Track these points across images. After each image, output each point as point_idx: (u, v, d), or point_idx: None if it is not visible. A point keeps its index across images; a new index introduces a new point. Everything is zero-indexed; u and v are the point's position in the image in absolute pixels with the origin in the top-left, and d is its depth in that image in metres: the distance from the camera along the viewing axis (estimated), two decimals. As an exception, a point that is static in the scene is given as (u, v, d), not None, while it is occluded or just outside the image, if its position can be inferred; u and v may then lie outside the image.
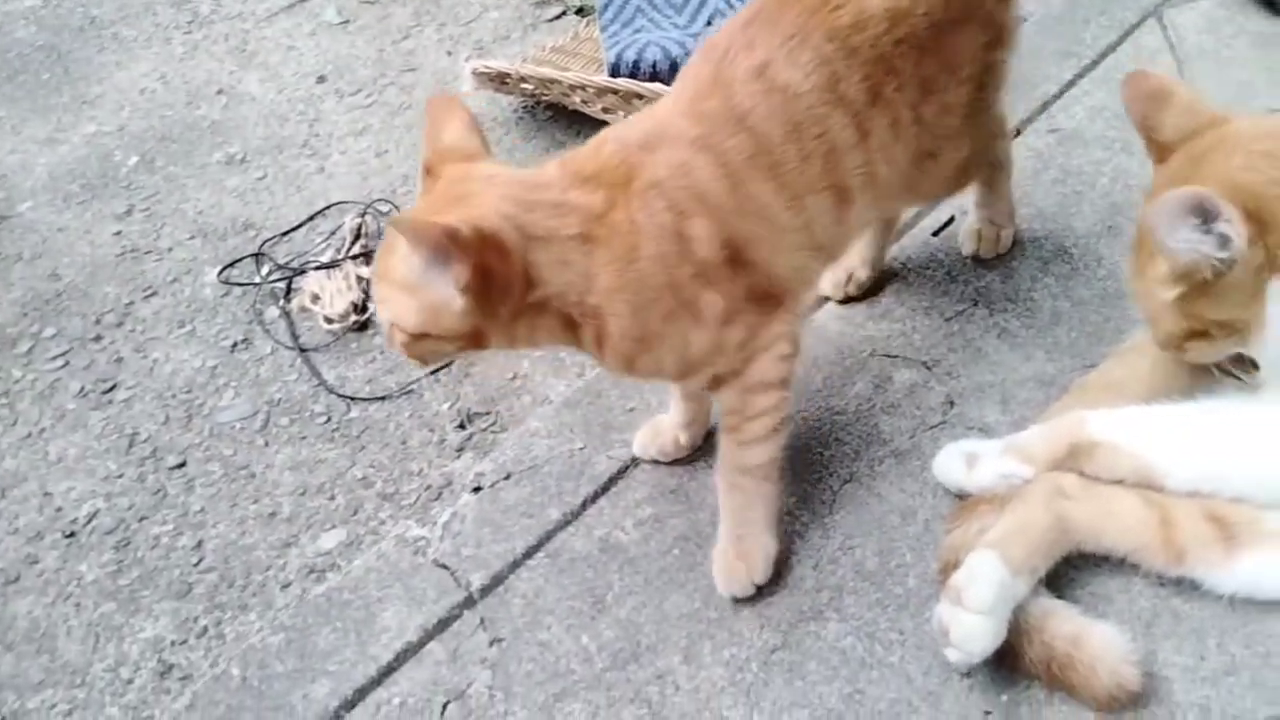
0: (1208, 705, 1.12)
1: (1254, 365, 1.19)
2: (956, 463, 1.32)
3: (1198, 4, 2.06)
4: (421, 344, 1.14)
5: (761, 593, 1.28)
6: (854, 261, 1.59)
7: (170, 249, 2.14)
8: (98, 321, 2.01)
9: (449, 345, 1.15)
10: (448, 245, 1.03)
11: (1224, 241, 1.08)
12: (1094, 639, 1.15)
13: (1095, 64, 1.97)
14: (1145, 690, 1.13)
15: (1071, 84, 1.94)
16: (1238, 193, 1.07)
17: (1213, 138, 1.17)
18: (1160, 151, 1.23)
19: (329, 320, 1.92)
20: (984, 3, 1.34)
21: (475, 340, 1.14)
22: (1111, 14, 2.07)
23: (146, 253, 2.14)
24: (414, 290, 1.09)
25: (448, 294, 1.07)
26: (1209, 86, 1.87)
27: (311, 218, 2.17)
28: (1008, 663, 1.17)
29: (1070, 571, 1.23)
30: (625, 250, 1.12)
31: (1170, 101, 1.22)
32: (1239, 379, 1.22)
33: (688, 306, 1.16)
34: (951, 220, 1.72)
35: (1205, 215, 1.07)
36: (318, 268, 2.01)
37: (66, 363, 1.93)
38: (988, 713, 1.15)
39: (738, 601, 1.28)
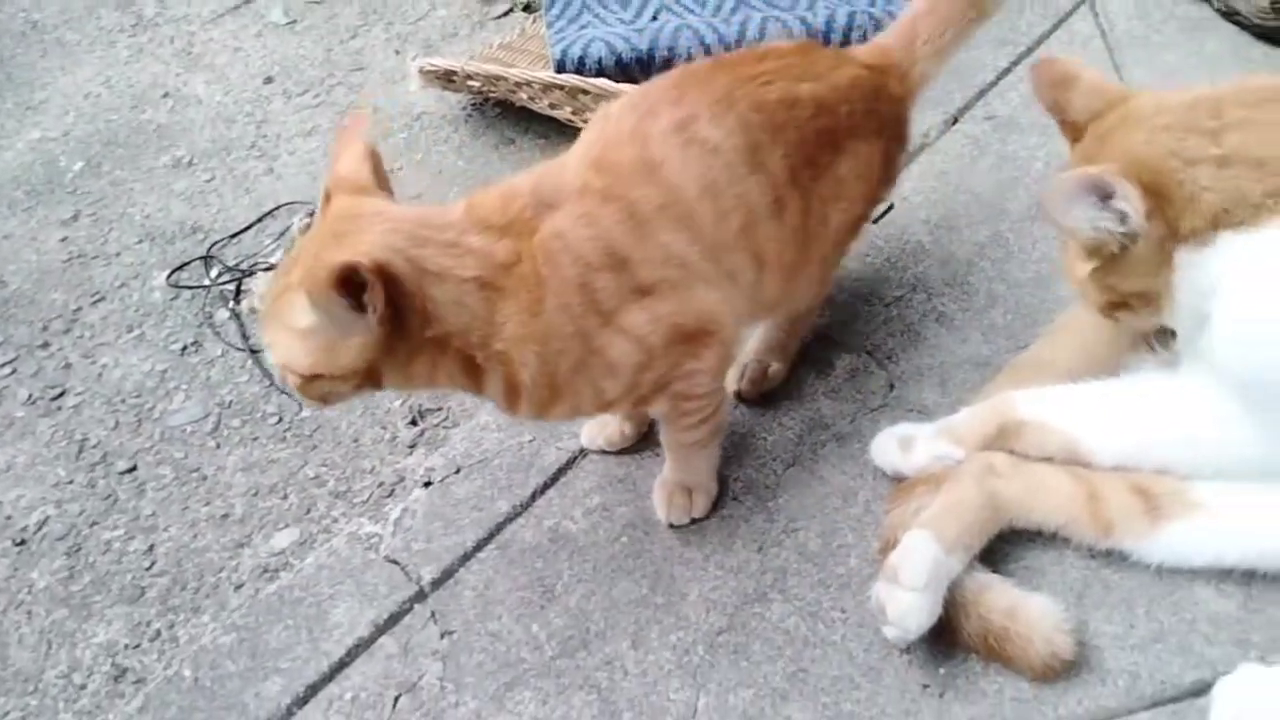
0: (1136, 671, 1.16)
1: (1173, 335, 1.23)
2: (892, 446, 1.35)
3: (1128, -9, 2.11)
4: (315, 385, 1.11)
5: (707, 572, 1.31)
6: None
7: (118, 254, 2.13)
8: (45, 328, 1.99)
9: (344, 385, 1.12)
10: (353, 283, 1.01)
11: (1122, 217, 1.11)
12: (1029, 610, 1.18)
13: (1030, 51, 2.01)
14: (1077, 659, 1.16)
15: (1007, 71, 1.98)
16: (1139, 167, 1.10)
17: (1118, 114, 1.19)
18: (1073, 131, 1.25)
19: (279, 321, 1.92)
20: (887, 124, 1.38)
21: (370, 378, 1.12)
22: (1046, 2, 2.11)
23: (94, 258, 2.13)
24: (306, 334, 1.07)
25: (355, 329, 1.06)
26: (1140, 71, 1.92)
27: (260, 219, 2.16)
28: (946, 637, 1.20)
29: (1005, 547, 1.27)
30: (531, 302, 1.11)
31: (1076, 83, 1.24)
32: (1164, 349, 1.26)
33: (599, 355, 1.15)
34: (891, 207, 1.75)
35: (1103, 193, 1.10)
36: (267, 269, 2.01)
37: (14, 370, 1.92)
38: (926, 686, 1.18)
39: (674, 528, 1.37)
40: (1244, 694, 1.08)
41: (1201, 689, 1.13)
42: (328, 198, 1.14)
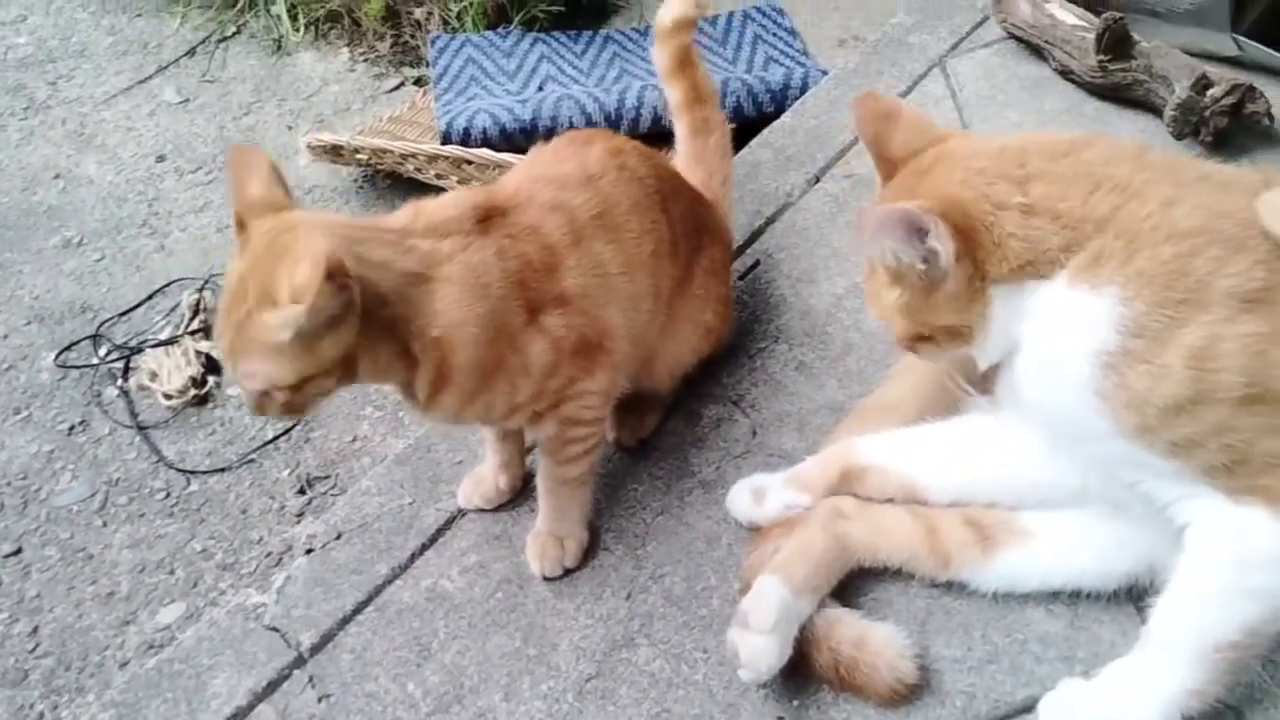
0: (973, 692, 1.23)
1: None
2: (746, 498, 1.41)
3: (976, 53, 2.26)
4: (306, 389, 1.14)
5: (578, 621, 1.36)
6: None
7: (5, 336, 2.14)
8: (-71, 414, 1.99)
9: (330, 380, 1.15)
10: (342, 280, 1.07)
11: (931, 255, 1.13)
12: (875, 639, 1.25)
13: (887, 112, 2.13)
14: (920, 683, 1.23)
15: (865, 132, 2.09)
16: (952, 206, 1.13)
17: (936, 153, 1.22)
18: (888, 167, 1.28)
19: (168, 396, 1.94)
20: (726, 241, 1.63)
21: (347, 367, 1.15)
22: (901, 66, 2.25)
23: (-20, 341, 2.13)
24: (289, 344, 1.08)
25: (336, 321, 1.10)
26: (986, 128, 2.05)
27: (151, 296, 2.19)
28: (801, 671, 1.26)
29: (855, 581, 1.34)
30: (476, 287, 1.19)
31: (898, 120, 1.27)
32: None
33: (519, 353, 1.24)
34: (757, 264, 1.84)
35: (918, 229, 1.12)
36: (155, 345, 2.04)
37: (-104, 458, 1.91)
38: (780, 718, 1.24)
39: (548, 580, 1.41)
40: (1064, 707, 1.16)
41: (1031, 705, 1.20)
42: (240, 223, 1.16)
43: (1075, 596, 1.29)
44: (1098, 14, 2.02)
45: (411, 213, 1.24)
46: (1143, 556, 1.24)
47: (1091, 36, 2.00)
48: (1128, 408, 1.06)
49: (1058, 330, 1.11)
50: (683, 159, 1.72)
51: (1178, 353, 1.04)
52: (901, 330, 1.24)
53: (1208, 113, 1.84)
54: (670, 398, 1.60)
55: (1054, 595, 1.30)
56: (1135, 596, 1.28)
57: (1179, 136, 1.90)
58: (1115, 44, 1.97)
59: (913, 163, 1.25)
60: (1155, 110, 1.97)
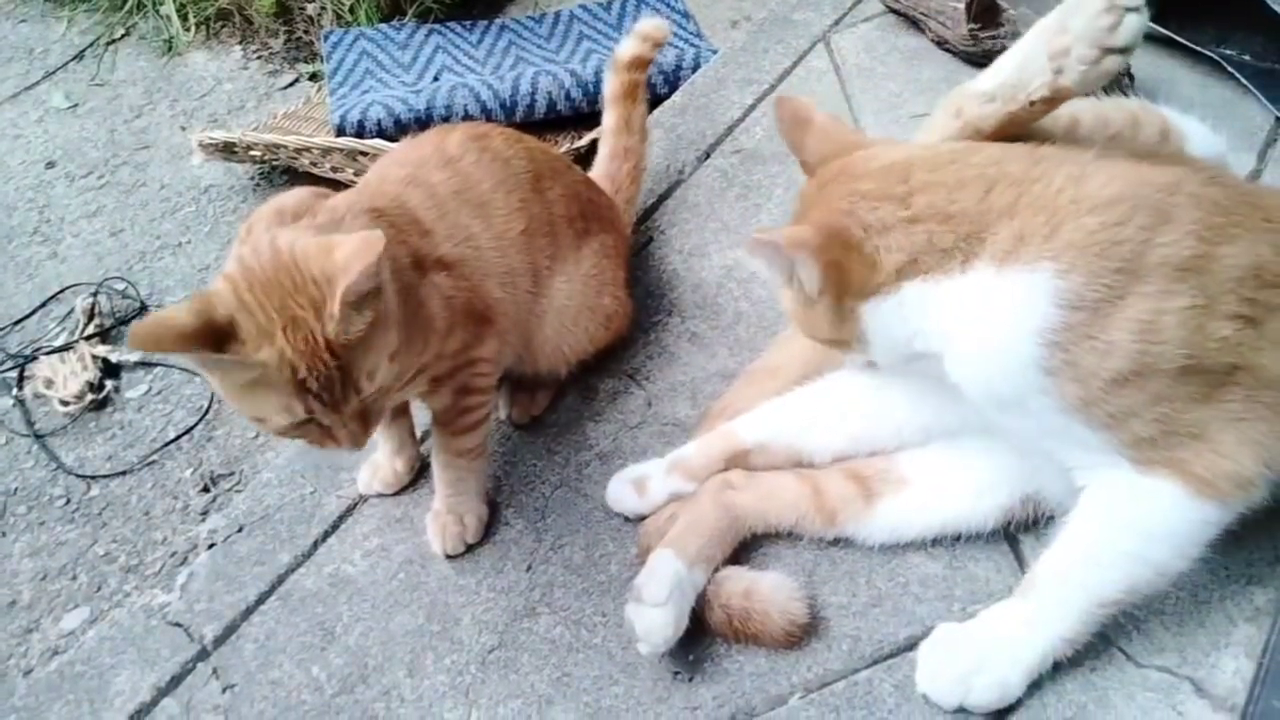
0: (858, 635, 1.29)
1: None
2: (627, 491, 1.43)
3: (857, 28, 2.32)
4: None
5: (480, 595, 1.39)
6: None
7: (-107, 352, 2.08)
8: None
9: None
10: None
11: (800, 282, 1.16)
12: (763, 588, 1.30)
13: (773, 88, 2.19)
14: (810, 625, 1.28)
15: (753, 108, 2.14)
16: (828, 237, 1.14)
17: (838, 168, 1.22)
18: (805, 168, 1.29)
19: (64, 403, 1.92)
20: (621, 234, 1.64)
21: None
22: (787, 43, 2.30)
23: None
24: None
25: None
26: (867, 99, 2.12)
27: (44, 303, 2.15)
28: (698, 629, 1.30)
29: (745, 539, 1.39)
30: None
31: (810, 127, 1.27)
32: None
33: (423, 307, 1.26)
34: (650, 240, 1.88)
35: (784, 260, 1.16)
36: (49, 352, 2.00)
37: None
38: (676, 673, 1.28)
39: (450, 559, 1.43)
40: (941, 650, 1.21)
41: (913, 644, 1.26)
42: None
43: (954, 540, 1.35)
44: (968, -15, 2.10)
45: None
46: (1018, 488, 1.30)
47: (962, 6, 2.06)
48: (1074, 382, 1.06)
49: (994, 315, 1.09)
50: (597, 174, 1.78)
51: (1122, 328, 1.03)
52: (814, 335, 1.28)
53: (1072, 75, 1.92)
54: (564, 378, 1.63)
55: (934, 539, 1.35)
56: (1008, 535, 1.35)
57: (1048, 99, 1.97)
58: (984, 12, 2.04)
59: (821, 171, 1.25)
60: (1026, 75, 2.04)
